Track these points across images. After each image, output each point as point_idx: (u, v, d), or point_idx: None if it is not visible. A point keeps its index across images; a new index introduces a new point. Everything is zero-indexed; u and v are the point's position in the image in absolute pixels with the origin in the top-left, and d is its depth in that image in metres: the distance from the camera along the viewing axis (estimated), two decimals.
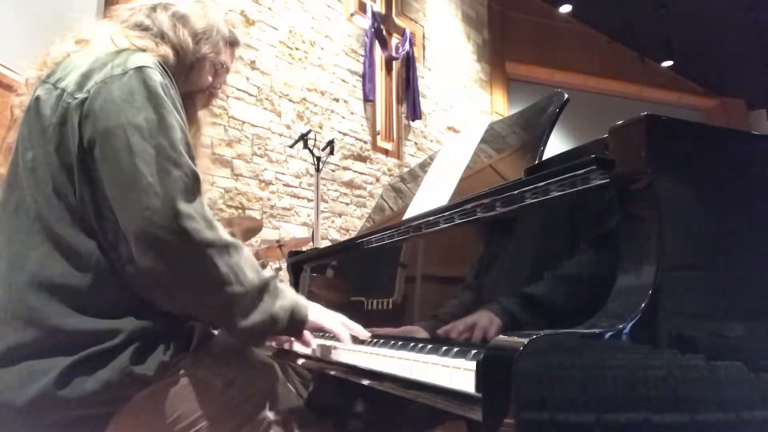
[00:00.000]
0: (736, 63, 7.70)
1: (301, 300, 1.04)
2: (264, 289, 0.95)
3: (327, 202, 4.58)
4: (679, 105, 8.31)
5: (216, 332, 1.07)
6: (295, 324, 1.00)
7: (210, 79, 1.18)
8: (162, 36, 1.07)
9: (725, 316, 0.74)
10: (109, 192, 0.87)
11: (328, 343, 1.17)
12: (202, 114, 1.22)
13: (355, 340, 1.10)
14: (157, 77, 0.93)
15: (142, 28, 1.07)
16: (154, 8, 1.10)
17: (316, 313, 1.06)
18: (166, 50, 1.05)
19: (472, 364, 0.67)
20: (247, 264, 0.94)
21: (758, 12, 6.69)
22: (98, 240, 0.90)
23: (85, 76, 0.92)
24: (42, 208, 0.90)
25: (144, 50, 1.00)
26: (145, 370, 0.87)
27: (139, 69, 0.92)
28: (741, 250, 0.79)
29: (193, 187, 0.89)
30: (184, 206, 0.86)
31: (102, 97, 0.89)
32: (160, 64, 0.98)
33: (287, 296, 1.00)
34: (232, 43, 1.22)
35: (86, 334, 0.86)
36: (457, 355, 0.84)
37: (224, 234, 0.92)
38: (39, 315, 0.85)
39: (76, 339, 0.86)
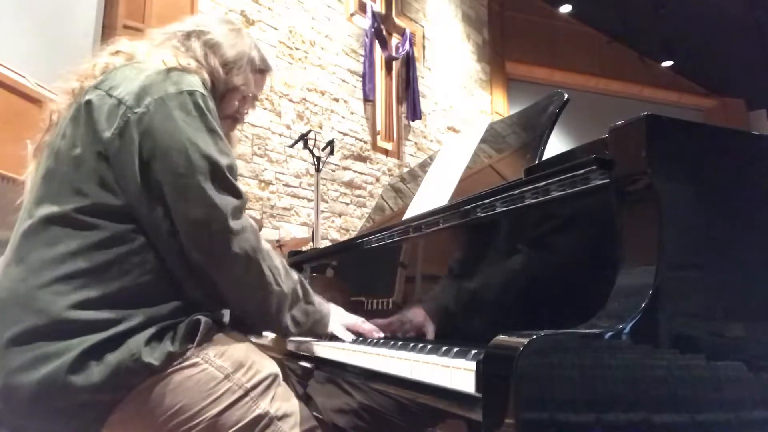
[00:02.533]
0: (736, 63, 7.70)
1: (324, 308, 1.18)
2: (296, 293, 1.09)
3: (327, 202, 4.58)
4: (679, 105, 8.31)
5: (222, 326, 1.09)
6: (317, 330, 1.16)
7: (236, 104, 1.21)
8: (198, 63, 1.10)
9: (725, 316, 0.74)
10: (170, 200, 0.96)
11: (329, 342, 1.17)
12: (233, 136, 1.27)
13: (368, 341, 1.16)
14: (208, 102, 1.02)
15: (183, 54, 1.10)
16: (188, 35, 1.14)
17: (335, 323, 1.19)
18: (205, 75, 1.09)
19: (472, 364, 0.67)
20: (282, 268, 1.07)
21: (758, 12, 6.69)
22: (133, 237, 0.95)
23: (143, 91, 0.98)
24: (82, 201, 0.94)
25: (190, 71, 1.05)
26: (152, 359, 0.89)
27: (192, 93, 1.00)
28: (741, 250, 0.79)
29: (242, 208, 1.02)
30: (235, 217, 0.98)
31: (161, 115, 0.97)
32: (204, 85, 1.05)
33: (314, 302, 1.14)
34: (263, 70, 1.25)
35: (98, 322, 0.89)
36: (457, 355, 0.84)
37: (264, 242, 1.04)
38: (54, 302, 0.88)
39: (87, 325, 0.88)
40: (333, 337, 1.19)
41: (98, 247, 0.93)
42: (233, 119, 1.24)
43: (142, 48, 1.11)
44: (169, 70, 1.02)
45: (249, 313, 1.07)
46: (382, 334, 1.21)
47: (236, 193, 1.00)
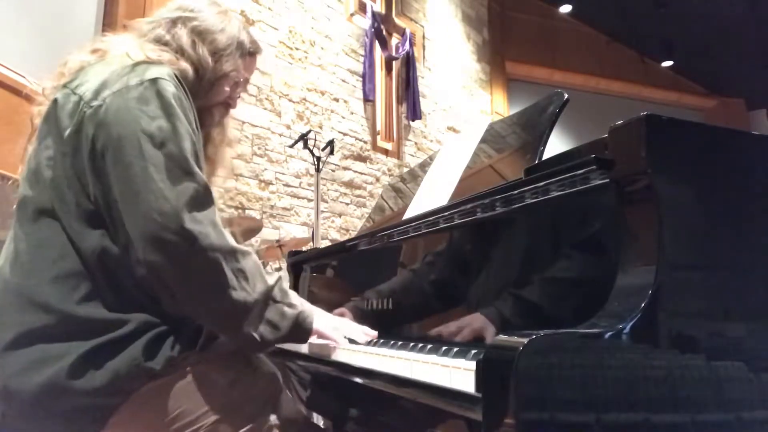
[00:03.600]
0: (736, 63, 7.69)
1: (306, 308, 1.04)
2: (269, 296, 0.96)
3: (327, 202, 4.58)
4: (679, 105, 8.30)
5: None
6: (300, 333, 1.01)
7: (228, 90, 1.18)
8: (182, 52, 1.07)
9: (725, 316, 0.74)
10: (118, 196, 0.89)
11: (340, 344, 1.16)
12: (226, 121, 1.23)
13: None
14: (170, 88, 0.95)
15: (162, 43, 1.07)
16: (174, 22, 1.10)
17: (321, 322, 1.07)
18: (186, 66, 1.06)
19: (472, 364, 0.67)
20: (254, 271, 0.95)
21: (758, 12, 6.68)
22: (111, 239, 0.92)
23: (102, 86, 0.94)
24: (57, 205, 0.93)
25: (161, 63, 1.01)
26: (153, 363, 0.89)
27: (154, 80, 0.94)
28: (741, 249, 0.79)
29: (203, 197, 0.91)
30: (193, 212, 0.88)
31: (116, 106, 0.92)
32: (175, 75, 1.00)
33: (294, 304, 1.01)
34: (253, 53, 1.21)
35: (98, 323, 0.88)
36: (457, 355, 0.84)
37: (231, 240, 0.93)
38: (52, 303, 0.88)
39: (87, 326, 0.88)
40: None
41: (85, 249, 0.91)
42: (225, 105, 1.21)
43: (116, 43, 1.07)
44: (136, 64, 0.98)
45: (207, 324, 0.97)
46: (374, 333, 1.16)
47: (196, 180, 0.91)
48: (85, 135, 0.92)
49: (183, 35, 1.08)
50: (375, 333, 1.16)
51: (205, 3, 1.16)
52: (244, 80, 1.21)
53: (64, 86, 0.99)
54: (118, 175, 0.89)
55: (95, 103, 0.93)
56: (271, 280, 0.98)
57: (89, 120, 0.92)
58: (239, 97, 1.23)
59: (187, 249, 0.87)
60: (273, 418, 0.99)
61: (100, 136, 0.91)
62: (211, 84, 1.12)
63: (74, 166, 0.93)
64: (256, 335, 0.94)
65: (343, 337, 1.10)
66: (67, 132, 0.93)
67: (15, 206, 1.00)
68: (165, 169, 0.88)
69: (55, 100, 0.97)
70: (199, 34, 1.10)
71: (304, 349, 1.25)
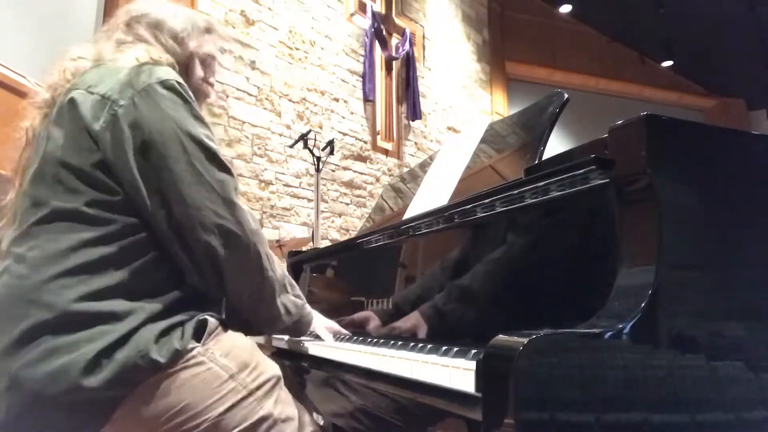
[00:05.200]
0: (736, 63, 7.69)
1: (308, 306, 1.19)
2: (284, 282, 1.12)
3: (327, 202, 4.58)
4: (679, 105, 8.31)
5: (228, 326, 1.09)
6: (301, 325, 1.17)
7: (200, 71, 1.22)
8: (160, 47, 1.12)
9: (725, 316, 0.74)
10: (168, 189, 0.97)
11: (328, 342, 1.17)
12: (211, 105, 1.30)
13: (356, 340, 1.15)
14: (188, 90, 1.04)
15: (126, 43, 1.11)
16: (128, 23, 1.14)
17: (319, 322, 1.22)
18: (173, 62, 1.11)
19: (472, 364, 0.67)
20: (273, 256, 1.10)
21: (758, 12, 6.68)
22: (138, 230, 0.97)
23: (125, 85, 0.99)
24: (71, 198, 0.95)
25: (162, 63, 1.07)
26: (158, 356, 0.89)
27: (172, 83, 1.02)
28: (741, 249, 0.79)
29: (236, 187, 1.04)
30: (237, 201, 1.01)
31: (148, 106, 0.98)
32: (179, 75, 1.06)
33: (302, 296, 1.17)
34: (208, 30, 1.25)
35: (104, 314, 0.90)
36: (457, 355, 0.84)
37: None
38: (60, 295, 0.89)
39: (94, 317, 0.89)
40: (317, 337, 1.23)
41: (99, 242, 0.93)
42: (206, 85, 1.25)
43: (107, 48, 1.11)
44: (143, 65, 1.03)
45: (244, 301, 1.07)
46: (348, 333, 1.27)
47: (230, 172, 1.03)
48: (120, 132, 0.96)
49: (143, 31, 1.13)
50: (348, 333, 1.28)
51: (149, 1, 1.21)
52: (210, 56, 1.25)
53: (73, 88, 1.01)
54: (167, 170, 0.97)
55: (124, 103, 0.98)
56: (282, 268, 1.13)
57: (123, 119, 0.97)
58: (214, 76, 1.28)
59: (241, 234, 1.00)
60: (276, 412, 0.99)
61: (137, 137, 0.97)
62: (185, 67, 1.17)
63: (107, 161, 0.96)
64: (272, 317, 1.10)
65: (333, 338, 1.22)
66: (96, 128, 0.97)
67: (15, 204, 1.01)
68: (208, 163, 0.99)
69: (72, 99, 0.99)
70: (157, 26, 1.15)
71: (303, 348, 1.25)
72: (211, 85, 1.27)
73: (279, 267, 1.10)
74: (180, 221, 0.97)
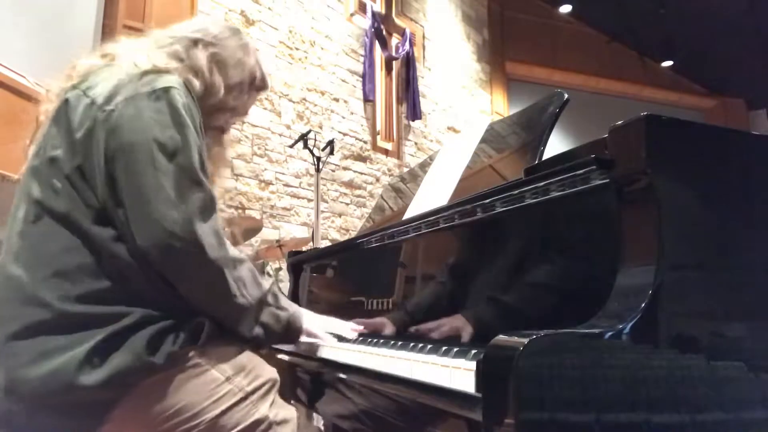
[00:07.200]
0: (736, 63, 7.69)
1: (296, 310, 1.13)
2: (263, 301, 1.04)
3: (327, 202, 4.58)
4: (679, 105, 8.30)
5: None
6: (290, 333, 1.10)
7: (224, 119, 1.21)
8: (196, 72, 1.08)
9: (725, 316, 0.74)
10: (128, 202, 0.92)
11: (327, 342, 1.17)
12: (225, 137, 1.26)
13: (351, 339, 1.16)
14: (181, 98, 0.98)
15: (177, 58, 1.07)
16: (195, 42, 1.11)
17: (310, 322, 1.16)
18: (196, 82, 1.07)
19: (472, 364, 0.67)
20: (249, 278, 1.02)
21: (758, 12, 6.68)
22: (119, 238, 0.94)
23: (114, 91, 0.96)
24: (64, 202, 0.94)
25: (168, 71, 1.02)
26: (155, 358, 0.89)
27: (166, 89, 0.97)
28: (741, 249, 0.79)
29: (210, 206, 0.96)
30: (201, 222, 0.93)
31: (129, 113, 0.94)
32: (185, 85, 1.02)
33: (284, 307, 1.09)
34: (260, 89, 1.24)
35: (98, 317, 0.89)
36: (457, 355, 0.84)
37: (232, 250, 0.99)
38: (50, 300, 0.88)
39: (88, 319, 0.89)
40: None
41: (86, 245, 0.92)
42: (221, 130, 1.23)
43: (127, 49, 1.08)
44: (143, 73, 0.99)
45: (218, 321, 1.02)
46: (360, 328, 1.24)
47: (203, 191, 0.95)
48: (97, 139, 0.94)
49: (202, 58, 1.10)
50: (361, 327, 1.25)
51: (228, 32, 1.17)
52: (243, 114, 1.24)
53: (74, 87, 1.00)
54: (129, 182, 0.92)
55: (108, 108, 0.95)
56: (265, 285, 1.05)
57: (101, 124, 0.94)
58: (234, 124, 1.27)
59: (197, 258, 0.92)
60: (272, 415, 0.99)
61: (111, 142, 0.93)
62: (212, 110, 1.14)
63: (83, 167, 0.94)
64: (252, 336, 1.02)
65: (331, 336, 1.18)
66: (79, 134, 0.95)
67: (16, 202, 1.00)
68: (175, 179, 0.92)
69: (66, 100, 0.98)
70: (218, 63, 1.12)
71: (301, 349, 1.25)
72: (227, 130, 1.25)
73: (257, 287, 1.02)
74: (139, 240, 0.91)
